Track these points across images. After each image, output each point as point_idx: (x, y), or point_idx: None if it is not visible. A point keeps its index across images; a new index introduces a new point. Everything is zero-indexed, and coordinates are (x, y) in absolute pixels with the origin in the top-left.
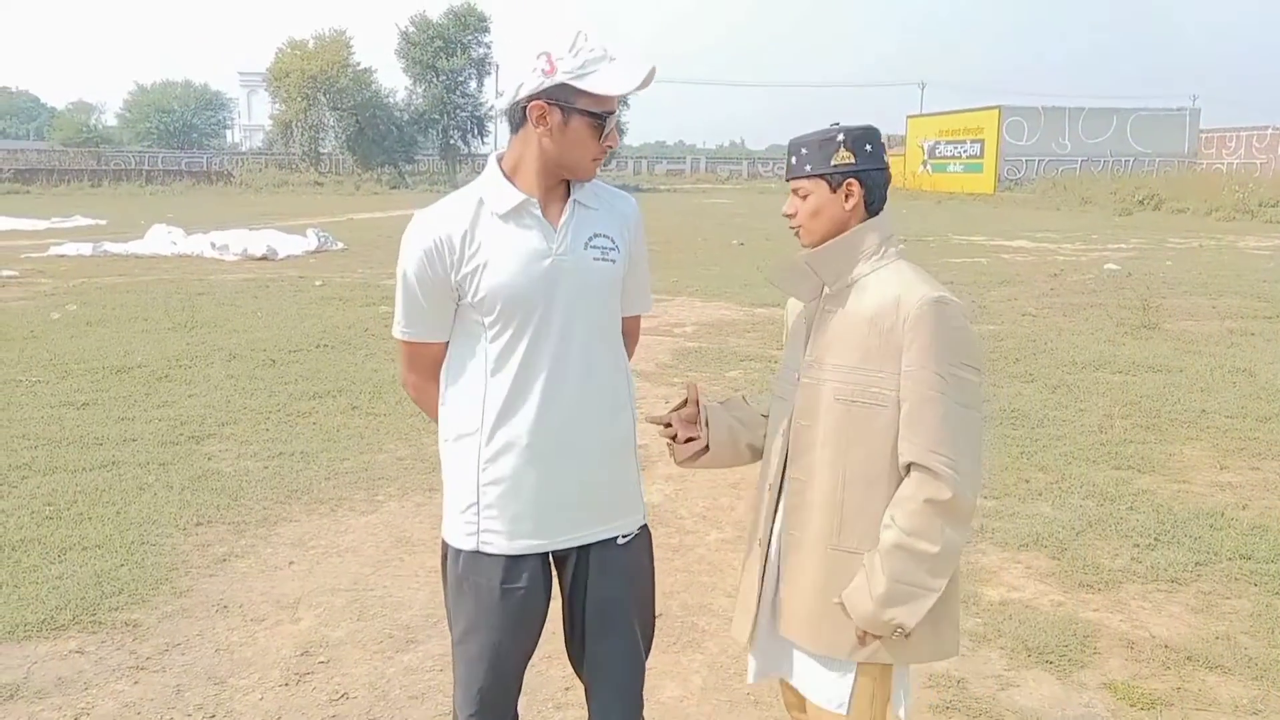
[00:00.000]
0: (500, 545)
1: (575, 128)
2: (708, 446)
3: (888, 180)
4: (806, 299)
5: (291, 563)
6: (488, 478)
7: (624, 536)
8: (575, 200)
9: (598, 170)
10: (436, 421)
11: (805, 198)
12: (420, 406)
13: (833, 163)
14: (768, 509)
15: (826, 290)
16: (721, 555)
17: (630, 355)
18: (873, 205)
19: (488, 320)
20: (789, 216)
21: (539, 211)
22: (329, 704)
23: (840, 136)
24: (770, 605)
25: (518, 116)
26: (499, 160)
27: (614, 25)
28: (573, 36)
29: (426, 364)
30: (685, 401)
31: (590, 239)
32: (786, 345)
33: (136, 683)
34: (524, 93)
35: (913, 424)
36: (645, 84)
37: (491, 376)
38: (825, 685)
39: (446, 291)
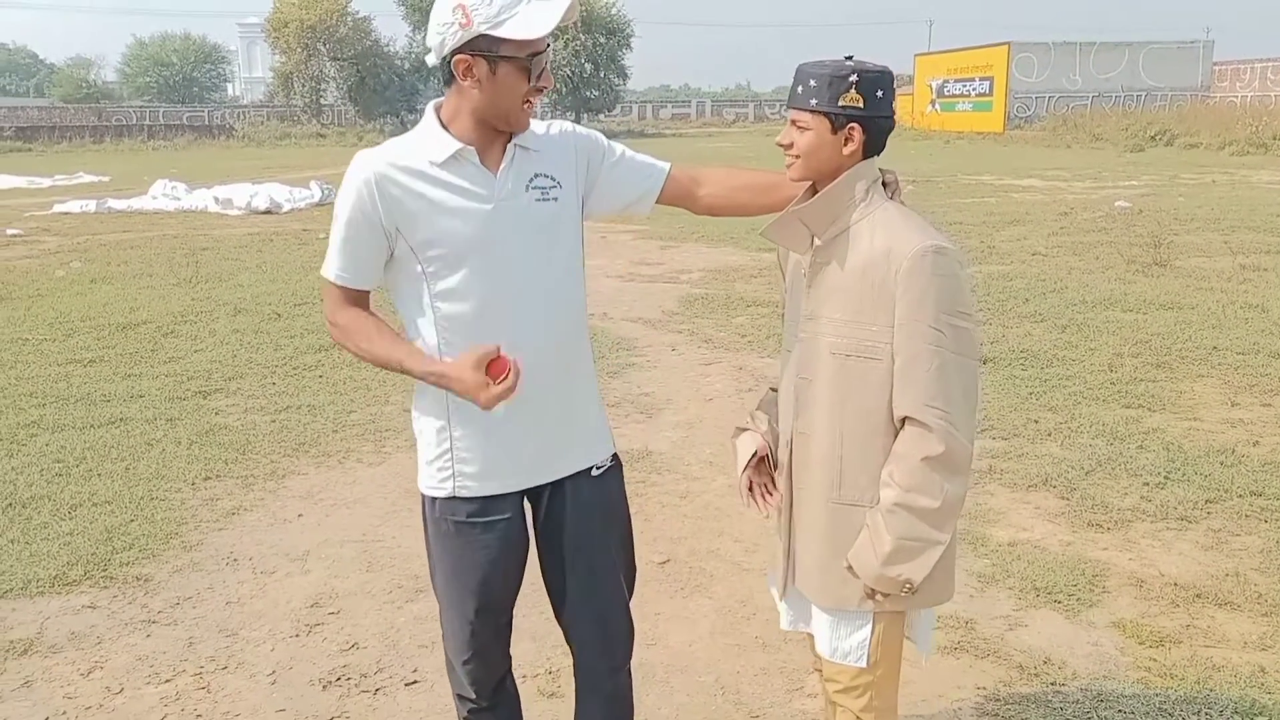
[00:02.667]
0: (474, 489)
1: (503, 76)
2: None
3: (891, 128)
4: (801, 251)
5: (300, 515)
6: (456, 425)
7: (597, 468)
8: (516, 144)
9: (530, 117)
10: (371, 362)
11: (804, 131)
12: (352, 346)
13: (840, 103)
14: (785, 465)
15: (818, 241)
16: (728, 501)
17: (711, 182)
18: (870, 152)
19: (429, 269)
20: (784, 146)
21: (477, 159)
22: (339, 654)
23: (853, 77)
24: (793, 559)
25: (447, 72)
26: (437, 110)
27: None
28: None
29: (354, 302)
30: (754, 455)
31: (531, 180)
32: (788, 298)
33: (149, 636)
34: (447, 48)
35: (906, 377)
36: (570, 16)
37: (440, 324)
38: (839, 639)
39: (379, 235)
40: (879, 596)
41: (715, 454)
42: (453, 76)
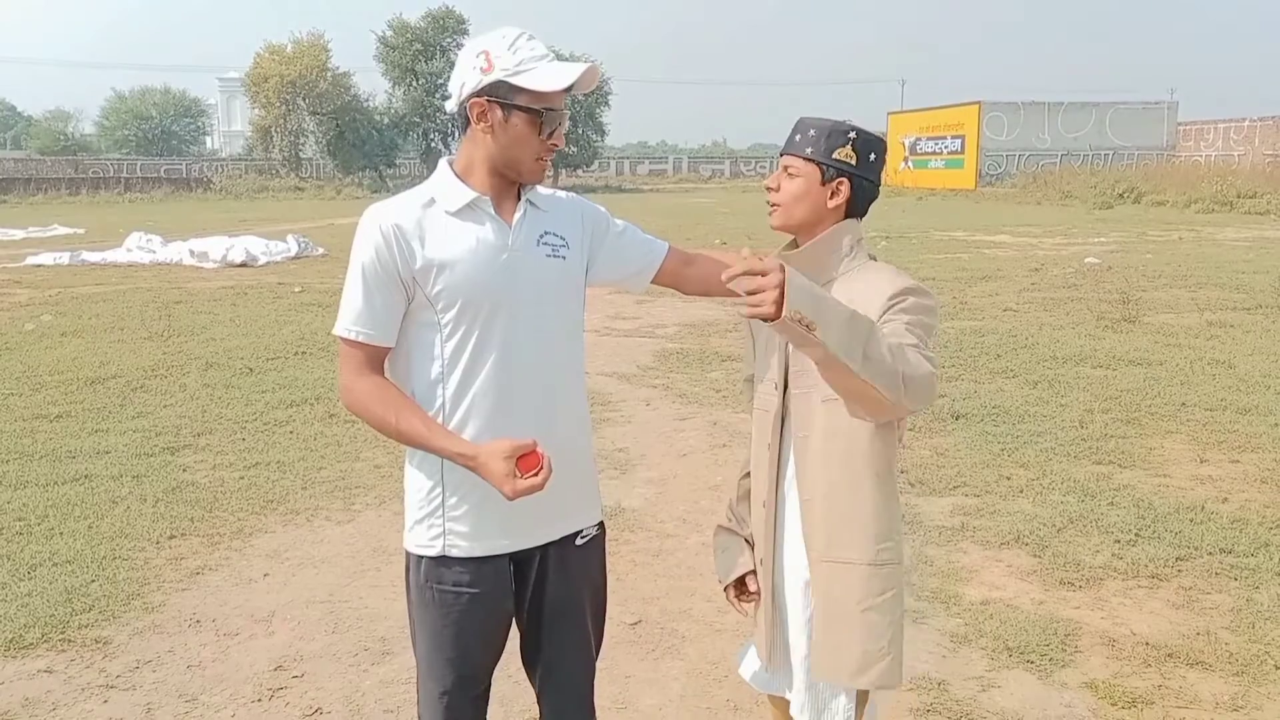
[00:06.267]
0: (465, 548)
1: (515, 124)
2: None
3: (875, 196)
4: None
5: (266, 575)
6: (451, 481)
7: (582, 537)
8: (527, 200)
9: (544, 172)
10: (390, 434)
11: (793, 178)
12: (370, 416)
13: (834, 155)
14: (766, 528)
15: None
16: (702, 559)
17: (701, 265)
18: (853, 211)
19: (444, 318)
20: (770, 190)
21: (492, 209)
22: (302, 719)
23: (851, 134)
24: (780, 630)
25: (463, 117)
26: (450, 163)
27: (592, 26)
28: (513, 36)
29: (374, 367)
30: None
31: (541, 236)
32: (760, 356)
33: (106, 701)
34: (466, 91)
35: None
36: (587, 83)
37: (449, 376)
38: (820, 706)
39: (398, 286)
40: (882, 657)
41: (688, 511)
42: (468, 122)
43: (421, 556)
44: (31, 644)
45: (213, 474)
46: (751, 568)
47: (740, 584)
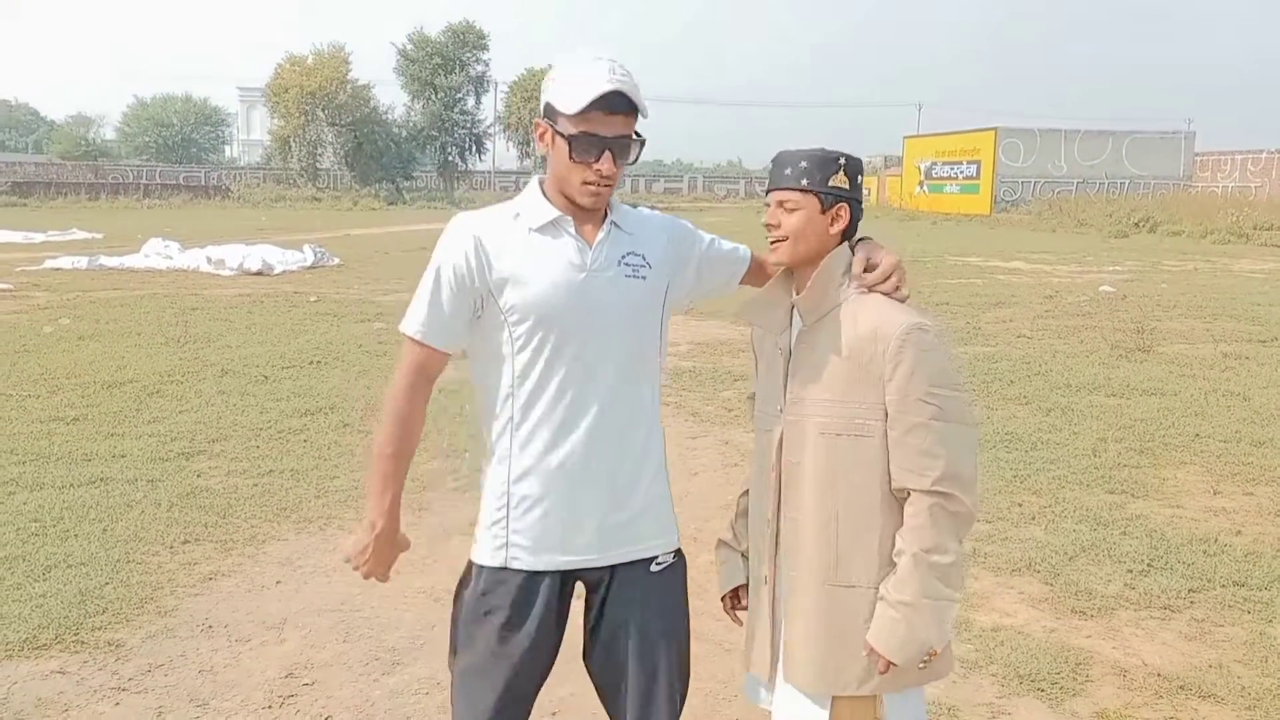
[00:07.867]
0: (526, 561)
1: (559, 147)
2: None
3: (862, 215)
4: (775, 330)
5: (279, 582)
6: (516, 494)
7: (657, 564)
8: (612, 221)
9: (592, 197)
10: (374, 457)
11: (793, 211)
12: (383, 430)
13: (830, 183)
14: (768, 547)
15: (801, 325)
16: (712, 578)
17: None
18: (847, 235)
19: (518, 332)
20: (771, 227)
21: (573, 229)
22: None
23: (841, 160)
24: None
25: None
26: (541, 181)
27: (609, 44)
28: (583, 57)
29: (426, 378)
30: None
31: (624, 257)
32: (762, 377)
33: (118, 704)
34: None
35: (907, 450)
36: (620, 92)
37: (518, 392)
38: None
39: (470, 297)
40: (879, 669)
41: (699, 531)
42: None
43: (482, 567)
44: (45, 645)
45: (227, 480)
46: (744, 581)
47: (734, 595)
